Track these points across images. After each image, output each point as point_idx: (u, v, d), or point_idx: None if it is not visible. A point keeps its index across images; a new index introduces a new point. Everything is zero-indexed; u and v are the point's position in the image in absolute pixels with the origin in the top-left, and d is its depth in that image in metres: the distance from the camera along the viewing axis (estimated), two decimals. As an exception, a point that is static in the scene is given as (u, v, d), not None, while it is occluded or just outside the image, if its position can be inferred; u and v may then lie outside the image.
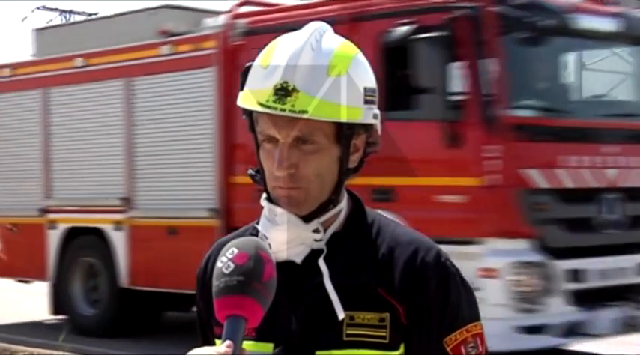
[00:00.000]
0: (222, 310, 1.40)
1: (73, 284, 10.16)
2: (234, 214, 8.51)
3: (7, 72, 10.79)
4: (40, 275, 10.48)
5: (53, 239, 10.24)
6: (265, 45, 1.59)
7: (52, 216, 10.28)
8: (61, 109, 10.21)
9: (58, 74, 10.19)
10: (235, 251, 1.42)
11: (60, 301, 10.37)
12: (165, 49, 9.11)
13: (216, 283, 1.42)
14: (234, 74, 8.49)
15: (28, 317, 11.28)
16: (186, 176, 8.99)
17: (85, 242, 10.10)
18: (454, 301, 1.60)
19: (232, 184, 8.56)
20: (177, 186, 9.10)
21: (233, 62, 8.46)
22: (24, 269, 10.67)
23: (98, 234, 9.84)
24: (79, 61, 9.94)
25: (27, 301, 12.05)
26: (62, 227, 10.19)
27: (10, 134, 10.78)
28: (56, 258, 10.21)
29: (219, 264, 1.43)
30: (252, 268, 1.40)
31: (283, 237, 1.58)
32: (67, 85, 10.10)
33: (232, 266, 1.40)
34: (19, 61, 11.04)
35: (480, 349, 1.62)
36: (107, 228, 9.71)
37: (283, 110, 1.50)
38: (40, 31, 10.89)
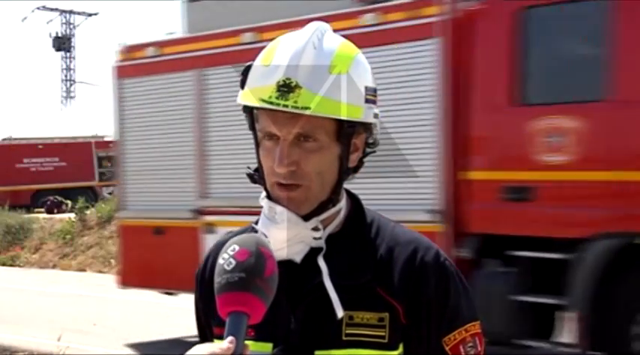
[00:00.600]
0: (225, 307, 1.39)
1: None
2: (465, 217, 6.97)
3: (151, 51, 9.33)
4: (192, 287, 9.00)
5: (210, 245, 8.75)
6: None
7: (208, 218, 8.81)
8: (221, 93, 8.70)
9: (217, 52, 8.71)
10: (236, 247, 1.42)
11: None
12: (368, 19, 7.58)
13: (217, 280, 1.41)
14: (466, 47, 7.01)
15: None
16: (400, 171, 7.39)
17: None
18: (453, 301, 1.60)
19: (463, 181, 7.03)
20: (391, 183, 7.42)
21: (466, 33, 6.96)
22: (171, 280, 9.19)
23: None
24: (247, 37, 8.45)
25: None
26: (222, 231, 8.69)
27: (156, 123, 9.29)
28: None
29: (220, 261, 1.42)
30: (253, 264, 1.40)
31: (283, 235, 1.58)
32: (230, 64, 8.60)
33: (234, 262, 1.40)
34: (167, 39, 9.57)
35: (479, 349, 1.62)
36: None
37: (286, 106, 1.52)
38: (191, 4, 9.40)
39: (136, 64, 9.39)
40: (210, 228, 8.79)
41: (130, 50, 9.56)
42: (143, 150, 9.43)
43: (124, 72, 9.50)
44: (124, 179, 9.64)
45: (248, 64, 1.62)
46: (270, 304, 1.42)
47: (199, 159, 8.87)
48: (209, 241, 8.74)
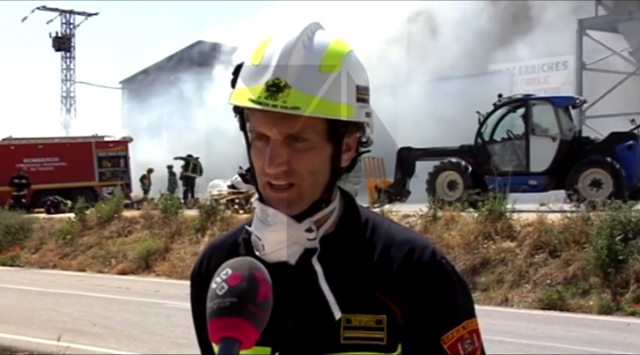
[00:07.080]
0: (216, 332, 1.37)
1: None
2: None
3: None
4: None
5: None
6: None
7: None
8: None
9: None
10: (229, 271, 1.38)
11: None
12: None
13: (210, 305, 1.38)
14: None
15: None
16: None
17: None
18: (450, 300, 1.60)
19: None
20: None
21: None
22: None
23: None
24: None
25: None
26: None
27: None
28: None
29: (213, 285, 1.39)
30: (246, 289, 1.36)
31: (276, 237, 1.57)
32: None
33: (226, 287, 1.37)
34: None
35: (476, 345, 1.62)
36: None
37: (275, 106, 1.49)
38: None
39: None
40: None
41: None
42: None
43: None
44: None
45: (239, 63, 1.59)
46: (263, 329, 1.38)
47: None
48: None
